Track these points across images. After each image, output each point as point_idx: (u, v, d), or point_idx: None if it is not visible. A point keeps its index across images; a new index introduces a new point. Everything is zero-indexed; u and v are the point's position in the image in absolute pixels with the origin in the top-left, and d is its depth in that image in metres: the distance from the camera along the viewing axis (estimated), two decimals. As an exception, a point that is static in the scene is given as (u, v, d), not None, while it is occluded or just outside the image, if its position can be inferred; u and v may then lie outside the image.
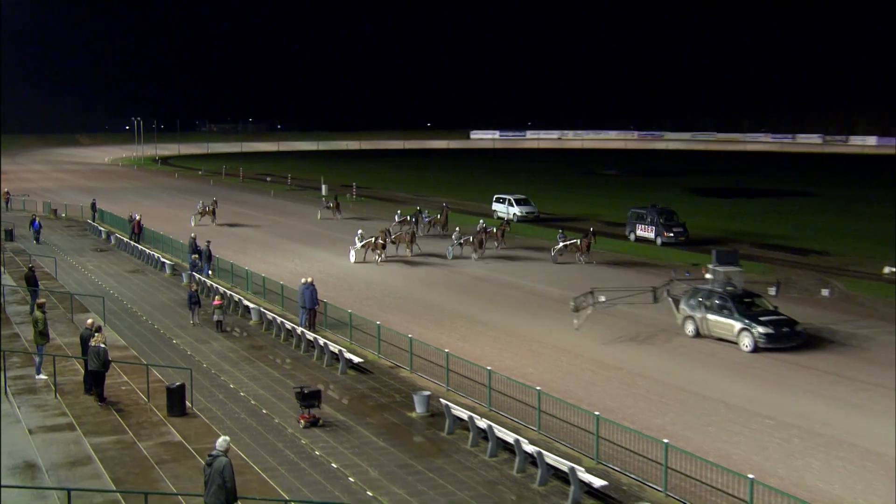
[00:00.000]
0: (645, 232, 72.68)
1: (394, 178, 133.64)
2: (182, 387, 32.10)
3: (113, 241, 73.48)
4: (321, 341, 39.49)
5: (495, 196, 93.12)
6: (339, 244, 70.02)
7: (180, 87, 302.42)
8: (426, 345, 37.28)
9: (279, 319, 43.79)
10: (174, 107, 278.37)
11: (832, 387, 35.45)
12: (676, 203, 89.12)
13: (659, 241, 71.02)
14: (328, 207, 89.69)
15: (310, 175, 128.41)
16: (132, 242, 70.03)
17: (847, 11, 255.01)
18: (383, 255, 63.53)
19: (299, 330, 41.72)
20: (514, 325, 45.27)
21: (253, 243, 72.01)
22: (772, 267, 60.29)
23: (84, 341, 34.40)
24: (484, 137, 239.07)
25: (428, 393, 32.76)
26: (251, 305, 47.26)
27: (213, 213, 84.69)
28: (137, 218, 73.47)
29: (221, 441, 21.32)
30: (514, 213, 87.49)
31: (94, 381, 32.83)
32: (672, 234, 70.85)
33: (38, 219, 77.87)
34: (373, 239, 63.51)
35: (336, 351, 38.17)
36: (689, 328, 42.91)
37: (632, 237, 73.74)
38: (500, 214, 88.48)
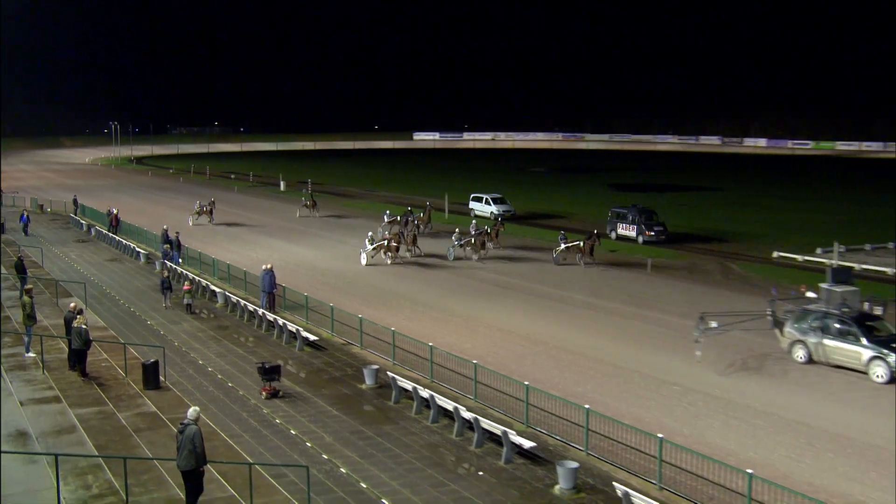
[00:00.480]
0: (626, 231, 67.99)
1: (345, 175, 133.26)
2: (156, 363, 32.04)
3: (93, 233, 72.82)
4: (280, 321, 39.41)
5: (472, 195, 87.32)
6: (307, 237, 69.83)
7: (154, 94, 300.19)
8: (374, 324, 37.33)
9: (242, 302, 43.61)
10: (148, 111, 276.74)
11: (726, 354, 35.94)
12: (595, 196, 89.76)
13: (640, 239, 66.36)
14: (306, 206, 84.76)
15: (270, 172, 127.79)
16: (110, 234, 69.48)
17: (744, 24, 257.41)
18: (396, 257, 57.85)
19: (261, 311, 41.63)
20: (453, 305, 45.43)
21: (219, 235, 71.58)
22: (680, 253, 60.91)
23: (68, 323, 34.44)
24: (426, 138, 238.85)
25: (376, 367, 32.83)
26: (217, 290, 47.02)
27: (211, 212, 79.15)
28: (115, 212, 73.01)
29: (192, 411, 21.31)
30: (492, 212, 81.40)
31: (77, 359, 32.93)
32: (653, 233, 66.35)
33: (26, 213, 77.23)
34: (385, 241, 57.80)
35: (294, 330, 38.12)
36: (800, 354, 35.07)
37: (613, 235, 68.54)
38: (477, 213, 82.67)
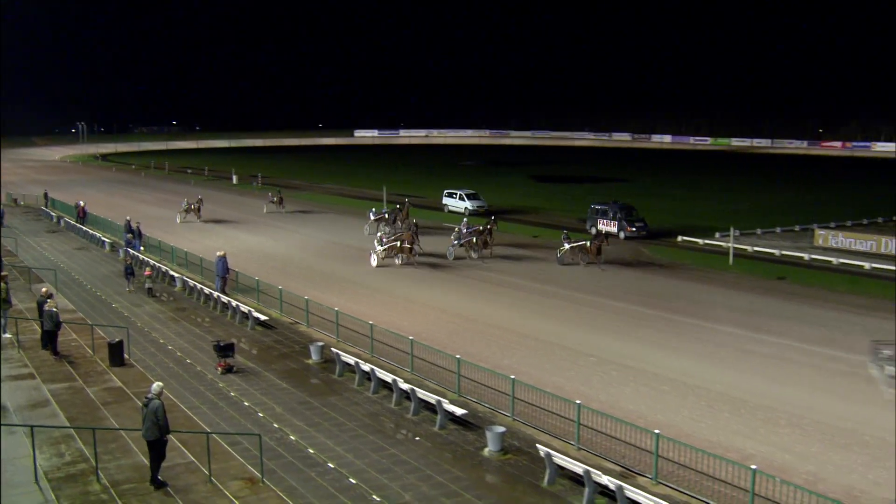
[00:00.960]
0: (607, 226, 62.51)
1: (292, 169, 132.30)
2: (121, 342, 31.74)
3: (62, 224, 71.64)
4: (234, 303, 39.14)
5: (445, 191, 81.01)
6: (269, 229, 69.34)
7: (117, 96, 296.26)
8: (320, 304, 37.18)
9: (199, 286, 43.26)
10: (112, 112, 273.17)
11: (637, 328, 36.34)
12: (519, 187, 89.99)
13: (622, 235, 61.72)
14: (273, 202, 78.76)
15: (223, 167, 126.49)
16: (78, 225, 68.47)
17: (651, 32, 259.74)
18: (409, 258, 51.26)
19: (216, 294, 41.31)
20: (392, 287, 45.38)
21: (175, 224, 70.70)
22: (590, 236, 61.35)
23: (40, 306, 34.02)
24: (366, 135, 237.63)
25: (321, 343, 32.73)
26: (176, 275, 46.54)
27: (199, 210, 72.68)
28: (82, 204, 71.79)
29: (155, 386, 21.12)
30: (466, 207, 76.13)
31: (49, 339, 32.55)
32: (634, 229, 61.81)
33: (1, 206, 75.95)
34: (398, 242, 51.19)
35: (246, 311, 37.83)
36: None
37: (593, 232, 61.50)
38: (451, 209, 77.71)
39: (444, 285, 45.64)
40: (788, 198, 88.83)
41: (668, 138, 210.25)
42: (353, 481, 21.46)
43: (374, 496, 20.63)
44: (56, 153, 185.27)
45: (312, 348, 32.35)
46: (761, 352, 33.07)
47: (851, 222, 66.20)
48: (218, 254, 44.18)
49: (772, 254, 54.17)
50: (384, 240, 52.34)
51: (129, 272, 45.25)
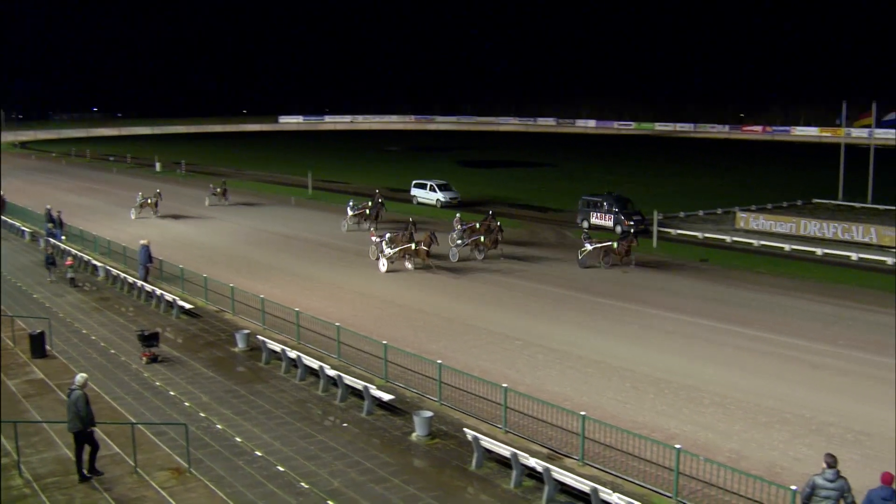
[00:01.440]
0: (601, 220, 58.49)
1: (216, 155, 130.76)
2: (42, 333, 31.22)
3: (-22, 214, 70.12)
4: (158, 292, 38.69)
5: (414, 182, 75.20)
6: (212, 221, 68.53)
7: (36, 82, 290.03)
8: (245, 292, 36.91)
9: (122, 275, 42.66)
10: (31, 98, 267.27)
11: (561, 311, 36.68)
12: (447, 173, 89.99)
13: (619, 229, 55.90)
14: (215, 194, 73.28)
15: (146, 154, 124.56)
16: (-4, 214, 67.03)
17: (575, 18, 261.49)
18: (427, 262, 45.07)
19: (139, 283, 40.80)
20: (319, 273, 45.21)
21: (98, 213, 69.50)
22: (521, 222, 61.69)
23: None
24: (290, 121, 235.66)
25: (247, 331, 32.56)
26: (98, 264, 45.85)
27: (156, 205, 66.83)
28: (0, 193, 70.23)
29: (79, 377, 20.90)
30: (438, 199, 71.34)
31: (-34, 331, 31.83)
32: (632, 223, 56.60)
33: None
34: (412, 245, 45.03)
35: (171, 299, 37.44)
36: None
37: (585, 225, 57.76)
38: (420, 201, 72.52)
39: (369, 271, 45.54)
40: (711, 181, 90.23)
41: (592, 123, 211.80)
42: (282, 469, 21.41)
43: (303, 483, 20.60)
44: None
45: (238, 336, 32.15)
46: (685, 333, 33.60)
47: (772, 205, 67.43)
48: (141, 242, 43.58)
49: (695, 236, 55.02)
50: (383, 240, 46.24)
51: (51, 262, 44.48)
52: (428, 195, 72.58)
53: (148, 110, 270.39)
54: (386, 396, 25.32)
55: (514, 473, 20.59)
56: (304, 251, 51.80)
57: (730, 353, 31.12)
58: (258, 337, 31.46)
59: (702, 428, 24.04)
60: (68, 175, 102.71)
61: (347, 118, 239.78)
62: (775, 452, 22.48)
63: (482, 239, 47.86)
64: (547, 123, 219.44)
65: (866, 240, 52.64)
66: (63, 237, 54.32)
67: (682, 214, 63.32)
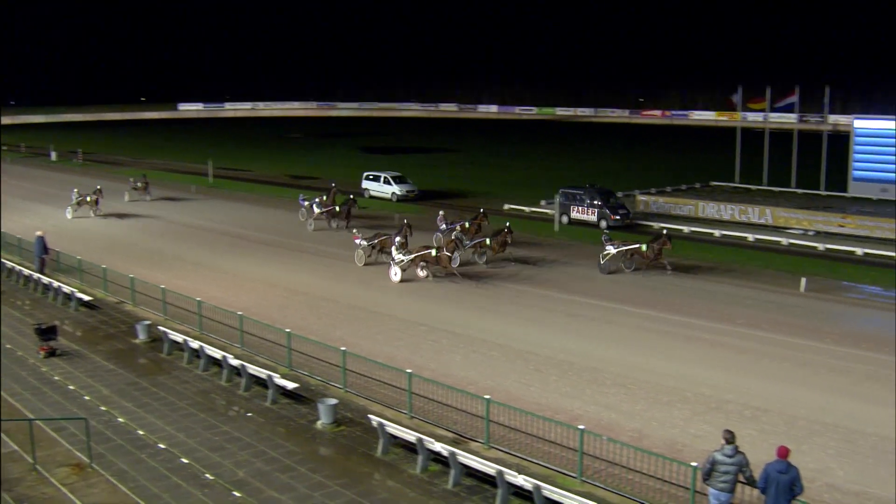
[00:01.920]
0: (583, 214, 54.76)
1: (114, 144, 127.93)
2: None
3: None
4: (55, 284, 37.85)
5: (365, 174, 69.62)
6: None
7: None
8: (145, 282, 36.35)
9: (18, 267, 41.61)
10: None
11: (465, 295, 36.97)
12: (351, 160, 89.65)
13: (604, 224, 52.99)
14: (136, 188, 67.30)
15: (42, 143, 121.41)
16: None
17: (474, 4, 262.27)
18: (449, 268, 39.91)
19: (36, 275, 39.87)
20: (222, 263, 44.69)
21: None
22: (423, 207, 61.73)
23: None
24: (190, 109, 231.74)
25: (148, 322, 32.10)
26: (-8, 257, 44.68)
27: (97, 202, 60.35)
28: None
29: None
30: (394, 193, 66.39)
31: None
32: (619, 217, 53.49)
33: None
34: (431, 251, 39.48)
35: (68, 291, 36.68)
36: None
37: (564, 220, 55.12)
38: (373, 194, 67.00)
39: (272, 258, 45.15)
40: (612, 165, 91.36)
41: (494, 108, 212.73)
42: (186, 461, 21.21)
43: (208, 475, 20.45)
44: None
45: (139, 327, 31.68)
46: (586, 315, 34.12)
47: (671, 188, 68.68)
48: (37, 233, 42.62)
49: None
50: (371, 243, 43.04)
51: (-61, 256, 43.23)
52: (382, 188, 67.44)
53: (42, 98, 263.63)
54: (290, 385, 25.23)
55: (419, 458, 20.73)
56: (194, 236, 51.14)
57: (630, 334, 31.72)
58: (159, 328, 31.05)
59: (605, 408, 24.47)
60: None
61: (248, 105, 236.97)
62: (676, 430, 23.01)
63: (488, 241, 42.14)
64: (449, 109, 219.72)
65: (762, 221, 54.05)
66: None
67: (583, 198, 64.09)
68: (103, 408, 24.77)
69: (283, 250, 47.72)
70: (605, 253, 41.68)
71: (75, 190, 62.21)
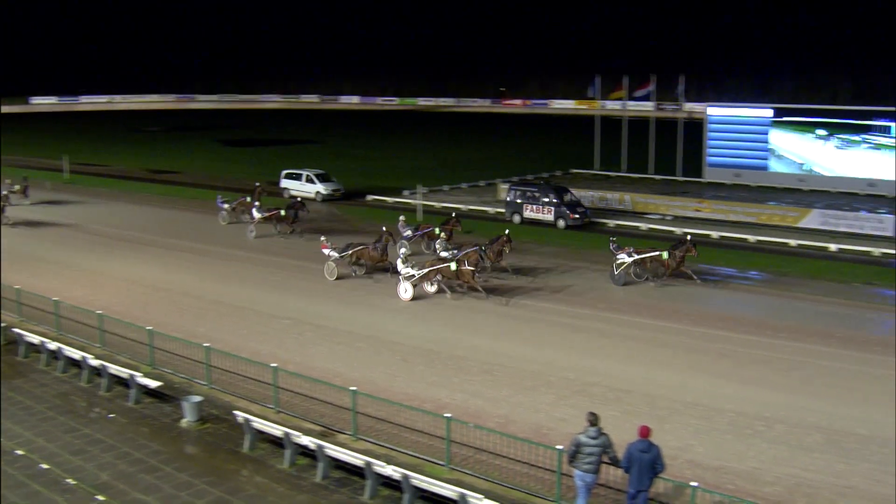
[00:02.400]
0: (538, 213, 51.32)
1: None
2: None
3: None
4: None
5: (284, 172, 64.11)
6: None
7: None
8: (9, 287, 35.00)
9: None
10: None
11: (327, 287, 36.88)
12: (211, 152, 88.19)
13: (562, 223, 50.19)
14: (13, 192, 59.42)
15: None
16: None
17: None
18: (474, 284, 34.81)
19: None
20: (80, 261, 43.34)
21: None
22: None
23: None
24: (43, 103, 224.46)
25: (3, 324, 31.00)
26: None
27: (2, 210, 53.07)
28: None
29: None
30: (318, 192, 61.26)
31: None
32: (578, 216, 50.50)
33: None
34: (451, 265, 34.66)
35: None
36: None
37: (516, 219, 52.00)
38: (293, 193, 59.88)
39: (135, 256, 44.15)
40: (474, 155, 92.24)
41: (356, 99, 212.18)
42: (46, 466, 20.65)
43: (69, 479, 19.96)
44: None
45: (-9, 331, 30.65)
46: (450, 304, 34.40)
47: (533, 176, 69.72)
48: None
49: (458, 209, 56.22)
50: (345, 253, 38.62)
51: None
52: (304, 187, 61.95)
53: None
54: (153, 383, 24.78)
55: (287, 453, 20.65)
56: (50, 235, 49.62)
57: (494, 321, 32.15)
58: (14, 330, 30.07)
59: (471, 396, 24.77)
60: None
61: (105, 98, 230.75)
62: (541, 415, 23.45)
63: (485, 250, 36.88)
64: (310, 100, 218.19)
65: (622, 207, 55.48)
66: None
67: (446, 188, 64.60)
68: (-45, 415, 23.91)
69: (143, 245, 46.56)
70: (620, 262, 37.38)
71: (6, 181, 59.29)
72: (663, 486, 18.22)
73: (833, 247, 44.64)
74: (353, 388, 21.92)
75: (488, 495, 18.02)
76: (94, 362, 26.16)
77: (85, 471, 20.42)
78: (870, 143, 59.89)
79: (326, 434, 21.95)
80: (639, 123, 74.92)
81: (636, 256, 37.27)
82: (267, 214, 48.30)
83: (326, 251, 38.88)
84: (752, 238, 47.03)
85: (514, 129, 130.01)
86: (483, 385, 25.69)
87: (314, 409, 23.40)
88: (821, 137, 61.90)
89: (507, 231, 39.22)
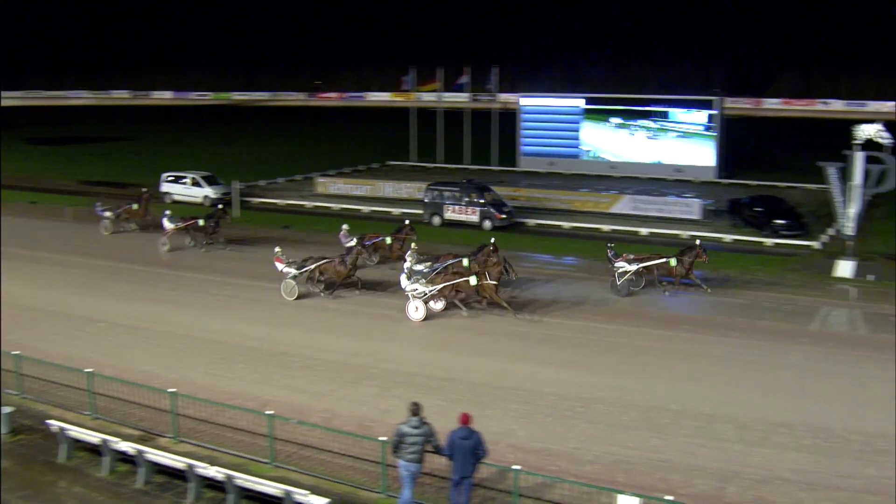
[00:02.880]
0: (460, 214, 48.50)
1: None
2: None
3: None
4: None
5: (165, 174, 58.52)
6: None
7: None
8: None
9: None
10: None
11: (149, 289, 35.90)
12: (17, 152, 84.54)
13: (488, 224, 47.55)
14: None
15: None
16: None
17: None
18: (495, 297, 31.47)
19: None
20: None
21: None
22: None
23: None
24: None
25: None
26: None
27: None
28: None
29: None
30: (206, 196, 55.63)
31: None
32: (504, 216, 48.00)
33: None
34: (470, 279, 31.23)
35: None
36: None
37: (436, 221, 49.19)
38: (176, 198, 56.28)
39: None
40: (290, 149, 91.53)
41: (169, 94, 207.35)
42: None
43: None
44: None
45: None
46: (272, 301, 34.03)
47: (350, 169, 69.74)
48: None
49: (275, 203, 55.71)
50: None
51: None
52: (190, 191, 56.73)
53: None
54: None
55: (105, 460, 20.03)
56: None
57: (317, 316, 32.07)
58: None
59: (295, 392, 24.59)
60: None
61: None
62: (365, 407, 23.49)
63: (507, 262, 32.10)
64: (121, 96, 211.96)
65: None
66: None
67: (262, 183, 63.81)
68: None
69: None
70: (622, 270, 34.58)
71: None
72: (487, 471, 18.54)
73: (644, 230, 46.39)
74: (172, 390, 21.43)
75: (314, 491, 17.96)
76: None
77: None
78: (678, 131, 62.52)
79: (147, 438, 21.39)
80: (454, 115, 75.81)
81: (640, 265, 34.64)
82: (182, 225, 43.27)
83: (281, 266, 34.62)
84: (566, 224, 48.29)
85: (330, 123, 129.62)
86: (306, 380, 25.55)
87: (134, 413, 22.70)
88: (621, 127, 64.30)
89: (492, 240, 34.65)
